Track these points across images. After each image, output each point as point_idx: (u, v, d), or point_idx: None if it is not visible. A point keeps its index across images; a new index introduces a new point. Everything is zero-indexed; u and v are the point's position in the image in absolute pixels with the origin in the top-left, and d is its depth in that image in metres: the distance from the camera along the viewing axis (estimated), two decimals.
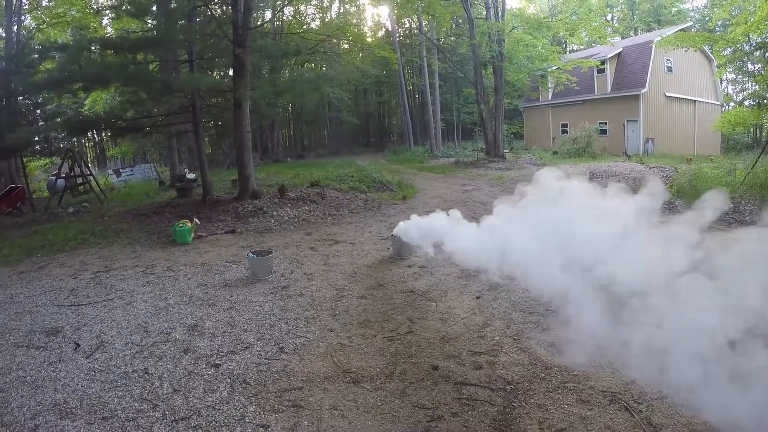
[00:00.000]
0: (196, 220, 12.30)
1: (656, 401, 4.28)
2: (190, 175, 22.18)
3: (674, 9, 53.39)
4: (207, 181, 16.82)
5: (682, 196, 13.40)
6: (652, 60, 30.48)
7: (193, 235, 11.73)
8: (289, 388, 4.80)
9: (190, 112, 16.69)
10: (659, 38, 27.95)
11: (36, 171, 26.82)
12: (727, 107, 38.74)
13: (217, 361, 5.39)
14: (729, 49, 20.96)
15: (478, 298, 7.16)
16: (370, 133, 56.21)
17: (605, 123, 32.33)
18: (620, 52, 32.91)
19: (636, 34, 49.17)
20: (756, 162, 15.71)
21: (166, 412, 4.41)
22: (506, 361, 5.20)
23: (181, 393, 4.74)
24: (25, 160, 20.91)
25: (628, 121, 31.29)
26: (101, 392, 4.89)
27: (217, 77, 22.79)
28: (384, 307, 7.03)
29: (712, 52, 32.04)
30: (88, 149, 47.03)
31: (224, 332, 6.24)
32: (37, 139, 19.67)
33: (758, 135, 39.93)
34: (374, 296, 7.54)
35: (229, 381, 4.95)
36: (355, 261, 9.59)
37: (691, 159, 22.42)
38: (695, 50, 29.89)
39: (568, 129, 33.52)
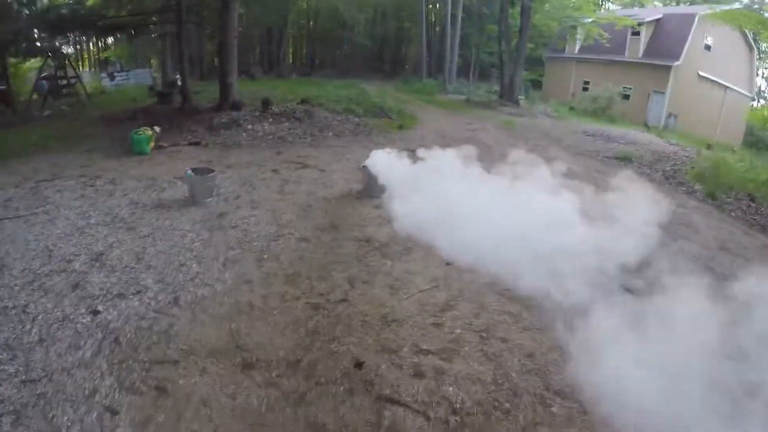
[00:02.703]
0: (156, 128, 11.08)
1: None
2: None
3: None
4: (186, 88, 15.45)
5: (702, 181, 12.13)
6: (692, 33, 28.06)
7: (152, 144, 10.58)
8: (162, 360, 3.75)
9: (175, 11, 14.87)
10: (706, 11, 25.97)
11: (29, 72, 24.89)
12: (758, 102, 36.98)
13: (99, 306, 4.42)
14: None
15: (448, 264, 5.48)
16: (385, 59, 53.48)
17: (629, 88, 30.15)
18: (660, 18, 30.43)
19: (677, 5, 46.21)
20: None
21: (20, 369, 3.60)
22: (461, 371, 3.70)
23: (45, 345, 3.89)
24: (11, 60, 18.80)
25: (654, 91, 29.18)
26: None
27: None
28: (325, 259, 5.52)
29: (756, 41, 30.31)
30: (87, 51, 44.46)
31: (125, 267, 5.22)
32: (20, 38, 17.77)
33: None
34: (319, 241, 6.02)
35: (100, 336, 4.00)
36: (315, 191, 8.04)
37: (711, 145, 20.94)
38: (738, 34, 28.36)
39: (589, 87, 31.59)
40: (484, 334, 4.19)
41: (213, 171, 7.76)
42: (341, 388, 3.43)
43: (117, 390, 3.39)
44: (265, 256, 5.45)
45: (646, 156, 14.54)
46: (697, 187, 11.35)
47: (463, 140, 13.46)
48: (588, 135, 17.20)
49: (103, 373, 3.53)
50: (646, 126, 24.70)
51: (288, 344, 3.88)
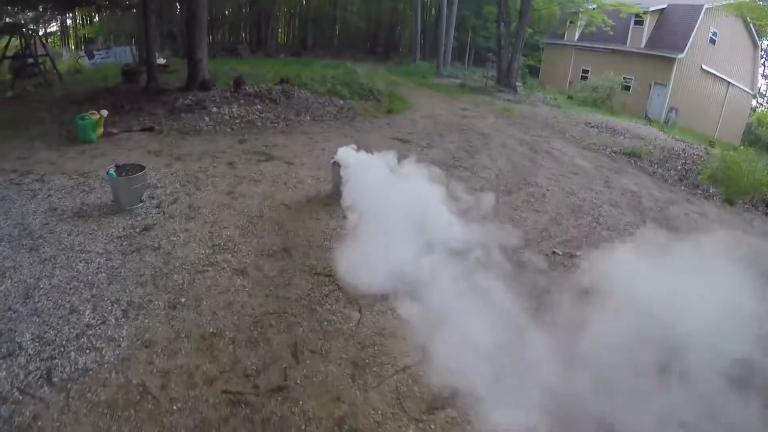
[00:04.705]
0: (103, 111, 9.72)
1: None
2: (160, 60, 19.18)
3: None
4: (152, 66, 14.25)
5: (715, 183, 11.38)
6: (698, 25, 27.06)
7: (101, 130, 9.42)
8: None
9: None
10: (714, 2, 25.51)
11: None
12: (757, 101, 36.44)
13: None
14: None
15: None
16: (378, 41, 52.30)
17: (630, 79, 29.16)
18: (665, 8, 29.25)
19: None
20: None
21: None
22: None
23: None
24: None
25: (655, 83, 28.27)
26: None
27: None
28: (264, 307, 3.95)
29: (760, 37, 29.75)
30: (74, 29, 42.96)
31: (8, 310, 3.91)
32: None
33: None
34: (262, 274, 4.45)
35: None
36: (274, 193, 6.52)
37: (714, 142, 19.83)
38: (743, 29, 28.28)
39: (588, 76, 30.41)
40: None
41: (142, 169, 6.11)
42: None
43: None
44: (183, 300, 3.93)
45: (655, 152, 13.38)
46: (713, 190, 10.79)
47: (456, 127, 12.18)
48: (591, 126, 15.94)
49: None
50: (648, 119, 23.63)
51: None
